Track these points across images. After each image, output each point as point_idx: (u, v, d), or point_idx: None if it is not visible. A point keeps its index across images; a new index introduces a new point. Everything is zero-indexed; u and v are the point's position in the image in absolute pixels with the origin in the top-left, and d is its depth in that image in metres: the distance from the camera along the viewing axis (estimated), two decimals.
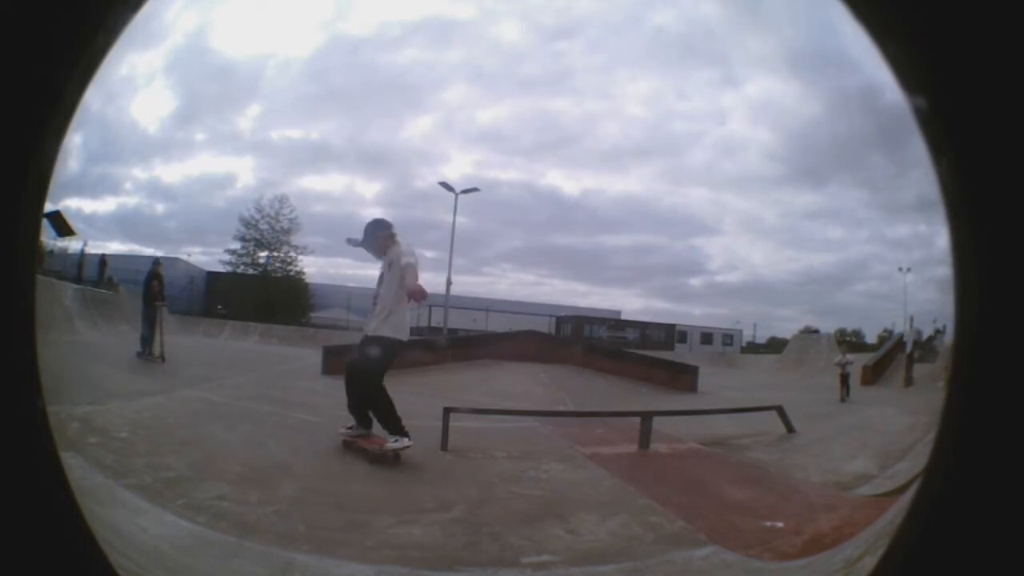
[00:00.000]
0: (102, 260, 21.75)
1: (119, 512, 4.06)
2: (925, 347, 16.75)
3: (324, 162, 46.65)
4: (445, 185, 28.78)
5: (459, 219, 30.21)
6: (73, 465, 4.50)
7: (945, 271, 1.30)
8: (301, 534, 4.22)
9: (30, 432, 1.40)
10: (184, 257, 35.76)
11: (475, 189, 30.04)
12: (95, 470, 4.91)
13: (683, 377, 16.72)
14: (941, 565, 1.31)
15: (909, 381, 15.16)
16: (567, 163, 49.61)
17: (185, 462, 5.73)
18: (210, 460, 5.99)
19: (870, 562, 1.75)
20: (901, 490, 4.83)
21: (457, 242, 29.60)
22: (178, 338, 20.07)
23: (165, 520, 4.14)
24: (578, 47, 45.71)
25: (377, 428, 6.75)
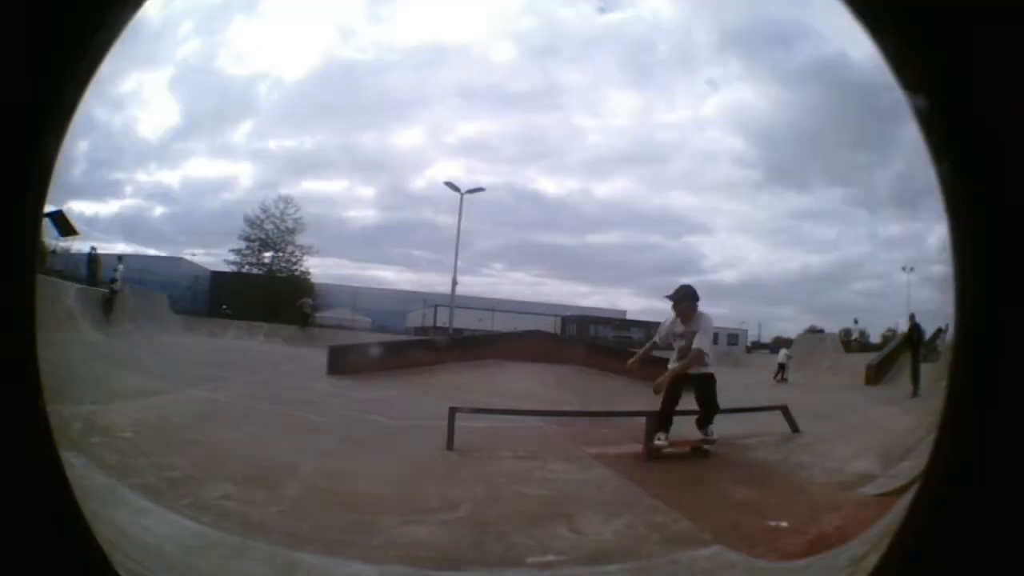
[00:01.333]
0: (118, 258, 21.53)
1: (121, 512, 4.07)
2: (928, 347, 16.68)
3: (321, 168, 46.83)
4: (451, 185, 28.75)
5: (449, 220, 30.17)
6: (75, 465, 4.50)
7: (943, 270, 1.30)
8: (306, 534, 4.23)
9: (31, 432, 1.40)
10: (188, 257, 35.92)
11: (480, 189, 30.00)
12: (97, 470, 4.91)
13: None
14: (943, 564, 1.30)
15: (915, 390, 14.67)
16: (556, 169, 49.81)
17: (189, 462, 5.74)
18: (214, 460, 6.00)
19: (875, 561, 1.74)
20: (905, 489, 4.81)
21: (448, 243, 29.53)
22: (183, 338, 20.16)
23: (168, 520, 4.14)
24: (565, 62, 45.69)
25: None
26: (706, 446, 7.74)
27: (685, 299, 7.99)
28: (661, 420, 7.55)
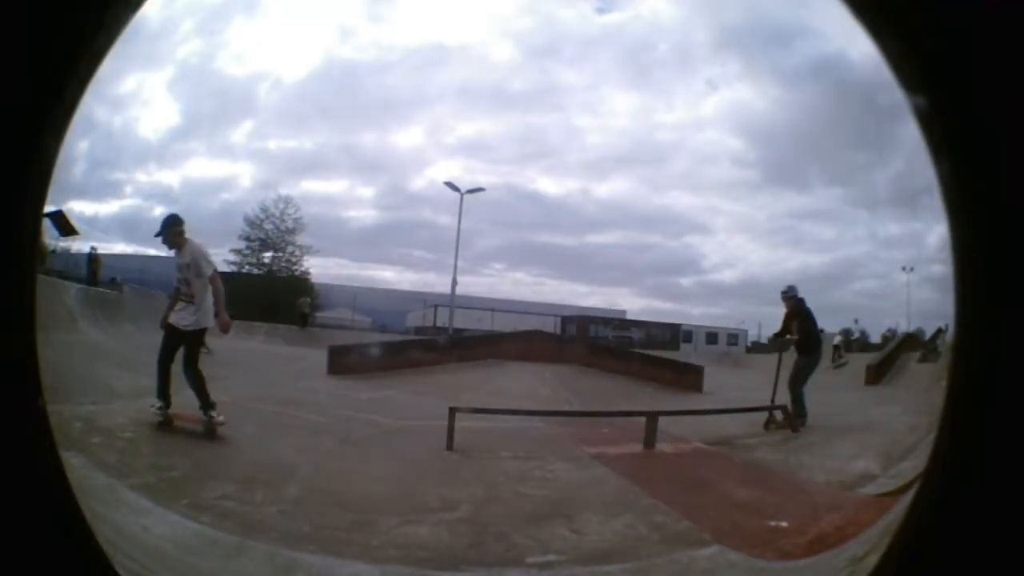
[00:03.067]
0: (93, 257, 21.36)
1: (121, 512, 4.07)
2: (928, 347, 16.66)
3: (321, 168, 46.83)
4: (451, 185, 28.64)
5: (450, 220, 30.14)
6: (75, 465, 4.50)
7: (943, 270, 1.30)
8: (306, 534, 4.23)
9: (31, 432, 1.40)
10: None
11: (480, 189, 29.91)
12: (97, 470, 4.91)
13: (688, 377, 16.60)
14: (943, 564, 1.30)
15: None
16: (555, 169, 49.84)
17: (189, 462, 5.75)
18: (214, 460, 6.00)
19: (875, 561, 1.74)
20: (905, 489, 4.81)
21: (448, 243, 29.51)
22: None
23: (168, 520, 4.15)
24: (565, 62, 45.75)
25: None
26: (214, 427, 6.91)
27: (166, 226, 7.40)
28: (160, 381, 7.07)
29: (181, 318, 7.21)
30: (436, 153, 49.29)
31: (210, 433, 6.82)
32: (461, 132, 49.54)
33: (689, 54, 43.31)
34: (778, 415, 9.15)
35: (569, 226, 46.12)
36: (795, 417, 9.18)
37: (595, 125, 44.29)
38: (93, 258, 21.68)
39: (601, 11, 52.70)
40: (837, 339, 22.91)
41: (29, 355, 1.38)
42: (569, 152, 47.90)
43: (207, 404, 6.97)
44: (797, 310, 10.41)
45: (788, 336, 10.47)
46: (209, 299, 7.30)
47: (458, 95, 47.57)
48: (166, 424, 6.98)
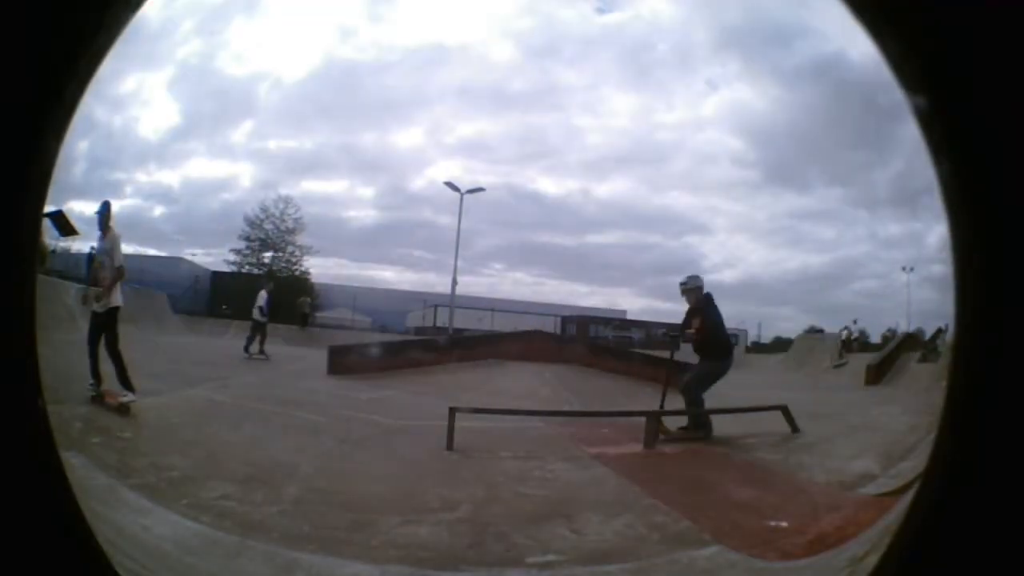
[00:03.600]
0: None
1: (121, 512, 4.07)
2: (928, 347, 16.62)
3: (321, 168, 46.99)
4: (451, 185, 28.65)
5: (450, 220, 30.16)
6: (75, 465, 4.50)
7: (942, 270, 1.30)
8: (306, 534, 4.23)
9: (31, 431, 1.40)
10: (189, 257, 35.88)
11: (480, 189, 29.91)
12: (97, 470, 4.91)
13: None
14: (943, 564, 1.30)
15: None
16: (555, 169, 49.97)
17: (189, 462, 5.75)
18: (214, 460, 6.00)
19: (875, 561, 1.74)
20: (905, 489, 4.81)
21: (448, 243, 29.53)
22: (183, 337, 20.14)
23: (168, 520, 4.15)
24: (565, 62, 45.90)
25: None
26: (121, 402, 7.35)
27: (106, 209, 8.15)
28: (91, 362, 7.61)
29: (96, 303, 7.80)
30: (436, 153, 49.54)
31: (122, 410, 7.24)
32: (461, 132, 49.72)
33: (689, 54, 43.51)
34: (671, 427, 8.31)
35: (569, 226, 46.26)
36: (694, 428, 8.51)
37: (595, 125, 44.50)
38: (93, 258, 21.68)
39: (601, 11, 52.80)
40: (844, 334, 22.91)
41: (29, 355, 1.38)
42: (569, 152, 48.07)
43: (125, 383, 7.44)
44: (700, 304, 9.20)
45: (688, 331, 9.19)
46: (116, 284, 7.92)
47: (458, 95, 47.75)
48: (98, 399, 7.49)
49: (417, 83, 45.11)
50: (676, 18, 42.93)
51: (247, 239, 35.53)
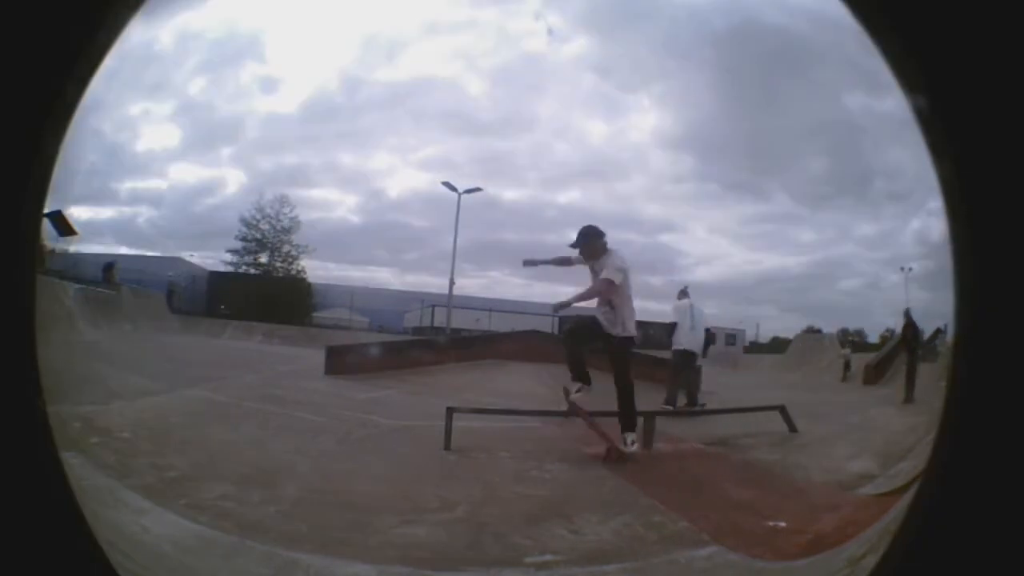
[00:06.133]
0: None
1: (121, 512, 4.07)
2: (926, 347, 16.57)
3: (313, 182, 47.92)
4: (448, 185, 28.65)
5: (447, 222, 30.18)
6: (75, 465, 4.50)
7: (939, 269, 1.30)
8: (304, 534, 4.22)
9: (31, 432, 1.40)
10: (186, 257, 35.88)
11: (478, 189, 29.90)
12: (97, 470, 4.91)
13: None
14: (943, 564, 1.30)
15: (910, 394, 13.32)
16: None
17: (188, 462, 5.74)
18: (213, 460, 6.00)
19: (873, 561, 1.74)
20: (904, 489, 4.81)
21: (446, 244, 29.61)
22: (181, 337, 20.15)
23: (167, 520, 4.14)
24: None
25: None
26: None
27: (586, 237, 7.71)
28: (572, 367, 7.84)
29: None
30: (431, 161, 49.89)
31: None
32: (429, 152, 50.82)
33: (647, 73, 43.92)
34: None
35: (539, 228, 46.83)
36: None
37: (561, 147, 45.56)
38: (109, 267, 21.93)
39: (555, 37, 53.54)
40: (846, 353, 22.49)
41: (29, 355, 1.38)
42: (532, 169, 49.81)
43: None
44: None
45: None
46: None
47: (440, 121, 48.29)
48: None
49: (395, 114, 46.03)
50: (630, 40, 43.19)
51: (244, 239, 35.52)
